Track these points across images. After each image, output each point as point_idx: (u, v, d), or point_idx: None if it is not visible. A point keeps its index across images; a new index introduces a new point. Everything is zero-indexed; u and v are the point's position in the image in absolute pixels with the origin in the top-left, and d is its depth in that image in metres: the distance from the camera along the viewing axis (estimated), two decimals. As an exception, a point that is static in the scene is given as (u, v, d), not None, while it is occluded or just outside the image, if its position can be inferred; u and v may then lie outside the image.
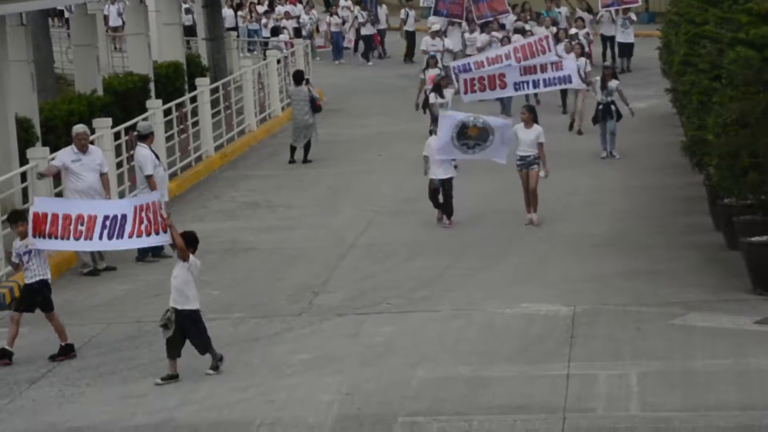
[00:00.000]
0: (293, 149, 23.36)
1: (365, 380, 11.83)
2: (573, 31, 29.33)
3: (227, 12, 38.03)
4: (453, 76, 23.32)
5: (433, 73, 24.20)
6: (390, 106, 28.03)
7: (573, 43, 26.35)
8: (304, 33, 36.59)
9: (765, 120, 14.28)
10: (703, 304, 13.57)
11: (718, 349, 12.11)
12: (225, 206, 20.22)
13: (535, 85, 21.80)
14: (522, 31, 29.35)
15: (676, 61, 19.93)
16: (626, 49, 32.08)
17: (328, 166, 22.86)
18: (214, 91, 24.56)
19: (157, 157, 17.09)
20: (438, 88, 22.05)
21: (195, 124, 23.12)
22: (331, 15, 37.48)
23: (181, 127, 22.30)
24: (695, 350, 12.13)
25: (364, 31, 36.62)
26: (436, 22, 30.37)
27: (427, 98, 22.77)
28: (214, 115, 23.98)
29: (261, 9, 39.34)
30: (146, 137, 16.96)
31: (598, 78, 22.07)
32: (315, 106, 23.35)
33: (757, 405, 10.66)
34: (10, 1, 17.73)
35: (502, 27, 30.73)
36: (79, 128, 16.72)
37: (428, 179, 17.59)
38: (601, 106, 21.78)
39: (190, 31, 35.10)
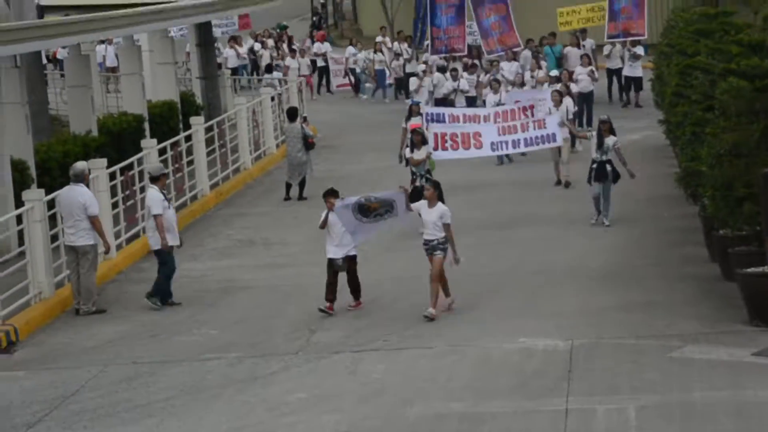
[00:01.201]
0: (288, 186, 23.39)
1: (363, 418, 11.80)
2: (578, 69, 28.64)
3: (229, 52, 38.14)
4: (425, 124, 21.57)
5: (416, 122, 22.31)
6: (384, 142, 28.04)
7: (551, 87, 25.04)
8: (357, 70, 36.84)
9: (758, 150, 14.33)
10: (700, 336, 13.55)
11: (716, 381, 12.09)
12: (221, 244, 20.22)
13: (515, 145, 20.56)
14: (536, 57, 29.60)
15: (669, 92, 20.04)
16: (634, 83, 31.13)
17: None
18: (209, 129, 24.61)
19: (166, 198, 16.97)
20: (413, 145, 19.83)
21: (190, 162, 23.15)
22: (375, 52, 36.77)
23: (176, 166, 22.32)
24: (693, 383, 12.10)
25: (409, 69, 35.14)
26: (426, 61, 30.50)
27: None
28: (208, 154, 24.01)
29: (293, 46, 39.10)
30: (158, 179, 16.79)
31: (594, 133, 19.75)
32: (307, 144, 23.42)
33: (755, 437, 10.63)
34: (3, 43, 17.79)
35: (514, 58, 30.49)
36: (84, 165, 17.05)
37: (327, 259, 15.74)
38: (595, 165, 19.33)
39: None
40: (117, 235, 18.96)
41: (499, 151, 20.65)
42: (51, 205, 17.32)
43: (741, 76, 14.54)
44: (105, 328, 15.73)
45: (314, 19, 60.33)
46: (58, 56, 39.60)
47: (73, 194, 16.44)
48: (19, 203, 17.35)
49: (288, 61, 37.11)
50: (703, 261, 16.63)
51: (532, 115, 21.69)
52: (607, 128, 19.50)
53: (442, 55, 31.54)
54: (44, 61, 31.33)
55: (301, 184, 23.31)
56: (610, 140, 19.35)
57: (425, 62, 32.51)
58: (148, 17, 24.49)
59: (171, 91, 27.33)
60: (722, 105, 14.94)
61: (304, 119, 25.71)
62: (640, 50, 31.03)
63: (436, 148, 19.97)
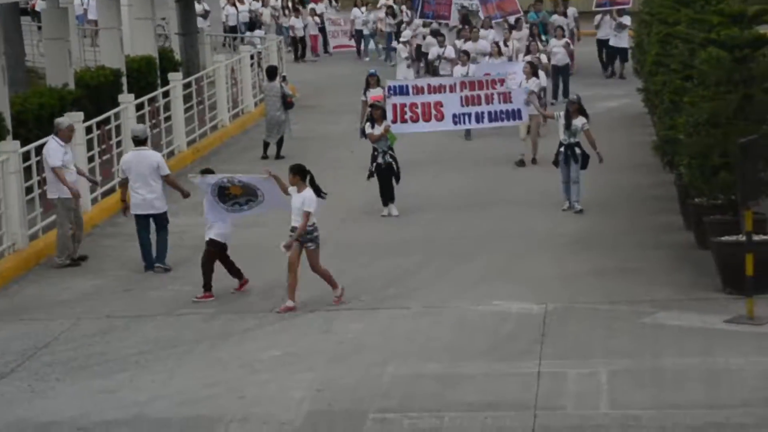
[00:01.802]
0: (266, 145, 23.34)
1: (336, 377, 11.84)
2: (552, 42, 28.18)
3: (230, 10, 37.71)
4: (386, 97, 20.49)
5: (376, 94, 21.42)
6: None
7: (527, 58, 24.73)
8: (366, 32, 36.12)
9: (736, 120, 14.39)
10: (673, 302, 13.65)
11: (688, 348, 12.19)
12: (197, 201, 20.11)
13: (478, 119, 19.04)
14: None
15: (648, 60, 20.07)
16: (620, 54, 30.55)
17: (302, 162, 22.76)
18: (187, 86, 24.48)
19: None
20: (373, 120, 18.50)
21: (167, 119, 23.04)
22: (386, 15, 36.04)
23: (154, 121, 22.21)
24: (665, 348, 12.20)
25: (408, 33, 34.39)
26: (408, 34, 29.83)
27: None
28: (186, 110, 23.90)
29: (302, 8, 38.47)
30: (144, 141, 16.35)
31: (562, 114, 18.39)
32: (286, 103, 23.35)
33: (725, 403, 10.73)
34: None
35: (513, 28, 29.64)
36: (67, 121, 16.85)
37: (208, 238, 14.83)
38: (562, 148, 18.13)
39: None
40: (92, 190, 18.87)
41: (461, 124, 19.12)
42: (26, 157, 17.22)
43: (721, 46, 14.57)
44: (79, 281, 15.69)
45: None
46: (37, 8, 39.22)
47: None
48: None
49: (292, 20, 36.74)
50: (678, 229, 16.72)
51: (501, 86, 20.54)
52: (575, 109, 18.25)
53: (429, 20, 31.21)
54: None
55: (279, 143, 23.26)
56: (578, 121, 18.16)
57: (407, 23, 32.36)
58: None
59: (149, 47, 27.12)
60: (701, 74, 14.98)
61: (283, 78, 25.62)
62: (626, 20, 30.42)
63: (394, 121, 18.69)
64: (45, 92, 21.75)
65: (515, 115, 19.22)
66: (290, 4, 39.60)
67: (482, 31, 29.42)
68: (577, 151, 18.11)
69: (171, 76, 24.04)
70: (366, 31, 36.50)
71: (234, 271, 14.90)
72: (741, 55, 14.46)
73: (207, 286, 14.60)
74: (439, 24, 31.09)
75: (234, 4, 38.24)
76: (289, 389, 11.54)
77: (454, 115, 18.91)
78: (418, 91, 20.21)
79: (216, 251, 14.72)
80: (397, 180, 18.21)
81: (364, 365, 12.11)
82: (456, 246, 16.55)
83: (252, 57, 28.83)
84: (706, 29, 15.52)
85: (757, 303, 12.96)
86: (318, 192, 14.18)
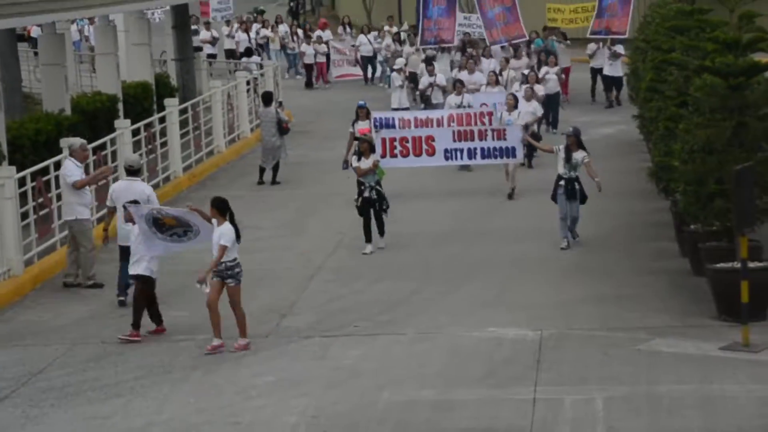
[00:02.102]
0: (262, 170, 23.38)
1: (331, 403, 11.81)
2: (544, 69, 27.63)
3: (241, 36, 37.75)
4: (373, 129, 20.30)
5: (363, 126, 20.90)
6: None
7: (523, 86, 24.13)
8: (380, 58, 35.51)
9: (731, 147, 14.42)
10: (668, 329, 13.65)
11: (684, 375, 12.17)
12: (192, 227, 20.11)
13: (471, 155, 18.61)
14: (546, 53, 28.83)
15: (643, 87, 20.11)
16: (614, 83, 30.23)
17: (297, 187, 22.86)
18: (183, 111, 24.53)
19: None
20: (360, 153, 17.80)
21: (163, 144, 23.07)
22: (394, 41, 35.35)
23: (150, 147, 22.24)
24: (661, 375, 12.18)
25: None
26: (401, 63, 29.19)
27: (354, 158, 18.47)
28: (182, 136, 23.94)
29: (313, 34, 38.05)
30: (137, 171, 16.13)
31: (561, 147, 17.78)
32: (281, 128, 23.39)
33: (721, 430, 10.71)
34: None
35: (513, 55, 29.22)
36: (79, 140, 17.04)
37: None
38: (562, 182, 17.45)
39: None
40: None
41: (453, 160, 18.63)
42: (22, 182, 17.23)
43: (715, 73, 14.62)
44: (74, 307, 15.67)
45: (291, 4, 60.15)
46: (33, 34, 39.30)
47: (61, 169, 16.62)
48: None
49: (304, 47, 36.63)
50: (673, 255, 16.73)
51: (491, 123, 20.51)
52: (574, 142, 17.67)
53: (431, 46, 30.85)
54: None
55: (275, 169, 23.30)
56: (579, 155, 17.61)
57: (401, 55, 31.88)
58: (125, -3, 24.37)
59: (146, 72, 27.20)
60: (696, 101, 15.02)
61: (280, 104, 25.67)
62: (620, 48, 30.17)
63: (384, 155, 18.24)
64: (41, 118, 21.77)
65: (509, 152, 18.71)
66: (299, 31, 39.53)
67: (483, 61, 29.01)
68: (577, 186, 17.60)
69: (167, 101, 24.09)
70: (380, 58, 35.82)
71: (155, 313, 14.30)
72: (736, 82, 14.51)
73: (136, 325, 14.04)
74: (441, 50, 30.65)
75: (246, 30, 38.19)
76: (284, 415, 11.51)
77: (446, 150, 18.52)
78: (405, 124, 20.13)
79: (147, 289, 14.20)
80: (385, 212, 17.62)
81: (359, 391, 12.09)
82: (451, 272, 16.54)
83: (248, 83, 28.89)
84: (701, 56, 15.59)
85: (752, 330, 12.95)
86: (237, 231, 13.50)
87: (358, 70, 35.91)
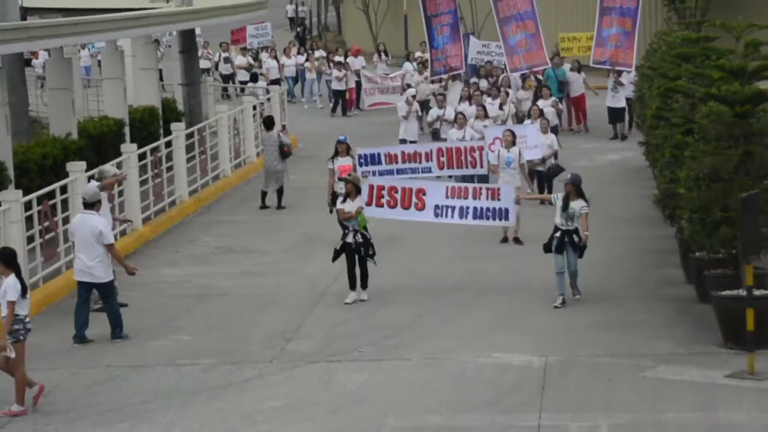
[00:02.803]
0: (264, 194, 23.40)
1: (336, 428, 11.79)
2: (541, 103, 26.05)
3: (271, 63, 37.65)
4: (357, 167, 18.99)
5: (343, 162, 19.19)
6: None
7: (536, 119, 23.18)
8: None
9: (736, 175, 14.43)
10: (674, 356, 13.62)
11: (689, 403, 12.15)
12: (198, 251, 20.18)
13: (462, 214, 16.66)
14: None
15: (649, 114, 20.14)
16: (617, 115, 29.17)
17: (302, 212, 22.87)
18: (189, 136, 24.60)
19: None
20: (346, 194, 16.65)
21: (170, 168, 23.12)
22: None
23: (156, 171, 22.29)
24: (666, 403, 12.15)
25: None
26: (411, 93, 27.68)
27: (335, 197, 17.85)
28: (188, 160, 23.99)
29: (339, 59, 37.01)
30: (93, 205, 15.29)
31: (559, 195, 16.38)
32: (283, 153, 23.41)
33: (727, 458, 10.68)
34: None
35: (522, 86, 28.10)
36: (113, 169, 17.20)
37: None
38: (558, 234, 16.02)
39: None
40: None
41: (443, 218, 16.70)
42: (28, 206, 17.27)
43: (721, 101, 14.64)
44: (79, 330, 15.65)
45: (298, 30, 60.39)
46: (34, 63, 39.45)
47: (90, 222, 15.19)
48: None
49: (335, 73, 35.76)
50: (679, 283, 16.72)
51: (481, 164, 19.31)
52: (572, 190, 16.12)
53: (442, 76, 29.69)
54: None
55: (279, 193, 23.32)
56: (577, 205, 16.06)
57: (409, 85, 31.15)
58: (132, 22, 24.47)
59: (153, 97, 27.29)
60: (702, 129, 15.04)
61: (283, 128, 25.69)
62: (624, 78, 28.99)
63: (369, 203, 16.46)
64: (48, 142, 21.84)
65: (502, 215, 16.85)
66: (329, 57, 39.02)
67: (522, 93, 28.07)
68: (576, 238, 16.05)
69: (174, 126, 24.17)
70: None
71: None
72: (742, 110, 14.53)
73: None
74: (453, 78, 29.63)
75: (275, 57, 37.95)
76: (289, 441, 11.49)
77: (436, 207, 16.70)
78: (391, 159, 18.98)
79: None
80: (371, 258, 16.32)
81: (364, 417, 12.07)
82: (456, 297, 16.53)
83: (254, 107, 28.97)
84: (707, 84, 15.60)
85: (758, 358, 12.93)
86: (23, 284, 12.50)
87: (390, 98, 32.82)
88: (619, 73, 29.25)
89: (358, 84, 35.92)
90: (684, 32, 22.42)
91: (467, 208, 16.72)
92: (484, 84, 29.57)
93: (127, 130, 24.80)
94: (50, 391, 13.24)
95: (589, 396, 12.42)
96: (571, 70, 30.58)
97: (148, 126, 26.18)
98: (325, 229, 21.31)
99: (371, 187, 16.73)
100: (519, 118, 26.39)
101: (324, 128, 33.30)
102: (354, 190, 16.47)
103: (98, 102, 30.44)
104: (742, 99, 14.54)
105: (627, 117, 29.52)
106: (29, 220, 17.20)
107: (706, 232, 14.52)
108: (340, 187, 17.61)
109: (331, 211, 18.61)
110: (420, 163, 19.13)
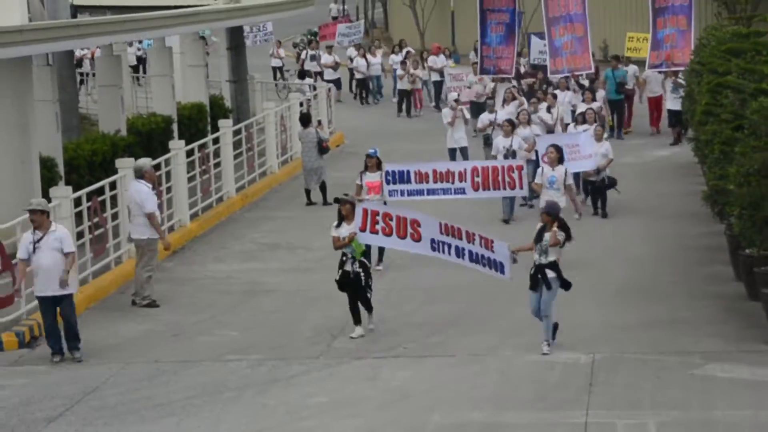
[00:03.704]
0: (308, 192, 23.44)
1: (382, 424, 11.80)
2: (582, 107, 24.21)
3: (360, 62, 37.24)
4: (384, 185, 17.63)
5: (372, 179, 17.67)
6: (411, 150, 28.10)
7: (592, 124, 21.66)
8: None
9: (787, 171, 14.27)
10: (723, 354, 13.50)
11: (738, 400, 12.04)
12: (245, 247, 20.27)
13: (459, 253, 14.62)
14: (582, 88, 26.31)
15: (699, 110, 19.96)
16: (675, 117, 27.37)
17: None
18: (237, 132, 24.71)
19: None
20: (341, 217, 15.23)
21: (217, 165, 23.24)
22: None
23: (203, 167, 22.42)
24: (715, 400, 12.05)
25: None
26: (454, 97, 24.89)
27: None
28: (236, 157, 24.10)
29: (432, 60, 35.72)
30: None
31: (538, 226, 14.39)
32: (321, 148, 23.43)
33: (776, 457, 10.58)
34: (37, 41, 17.92)
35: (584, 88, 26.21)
36: (149, 161, 17.39)
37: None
38: (532, 270, 14.05)
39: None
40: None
41: (440, 253, 14.81)
42: (78, 202, 17.43)
43: (772, 95, 14.50)
44: (128, 326, 15.79)
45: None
46: (85, 62, 39.78)
47: (132, 190, 16.83)
48: (46, 200, 17.42)
49: (418, 71, 34.77)
50: (728, 280, 16.57)
51: (519, 177, 17.70)
52: (549, 221, 14.06)
53: (491, 76, 28.74)
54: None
55: (323, 189, 23.33)
56: (549, 235, 13.93)
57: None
58: (181, 20, 24.61)
59: (201, 94, 27.45)
60: (753, 124, 14.90)
61: (318, 123, 25.69)
62: (681, 79, 27.14)
63: (363, 228, 14.79)
64: (97, 138, 22.03)
65: (498, 267, 14.67)
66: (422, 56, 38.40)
67: (559, 94, 26.08)
68: (550, 274, 13.93)
69: (221, 122, 24.29)
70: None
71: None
72: (792, 105, 14.38)
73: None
74: (503, 81, 28.19)
75: (364, 56, 37.38)
76: (335, 436, 11.52)
77: (433, 240, 14.84)
78: (421, 178, 17.34)
79: None
80: (369, 288, 14.99)
81: (409, 413, 12.07)
82: (501, 293, 16.46)
83: (301, 104, 29.05)
84: (757, 79, 15.46)
85: (808, 356, 12.80)
86: None
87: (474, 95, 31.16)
88: (676, 73, 27.78)
89: (438, 84, 34.75)
90: (734, 27, 22.24)
91: (463, 249, 14.76)
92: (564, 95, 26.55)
93: (175, 126, 24.97)
94: (99, 385, 13.36)
95: (636, 393, 12.34)
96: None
97: (196, 123, 26.35)
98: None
99: (365, 211, 14.96)
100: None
101: (370, 124, 33.30)
102: (351, 212, 15.00)
103: (147, 99, 30.65)
104: (793, 94, 14.38)
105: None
106: (79, 216, 17.36)
107: (756, 229, 14.38)
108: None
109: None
110: (453, 183, 17.46)
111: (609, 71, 29.11)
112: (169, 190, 20.61)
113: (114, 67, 24.04)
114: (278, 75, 40.98)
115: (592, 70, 28.48)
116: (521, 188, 18.11)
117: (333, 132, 31.31)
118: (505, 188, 17.99)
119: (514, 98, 24.92)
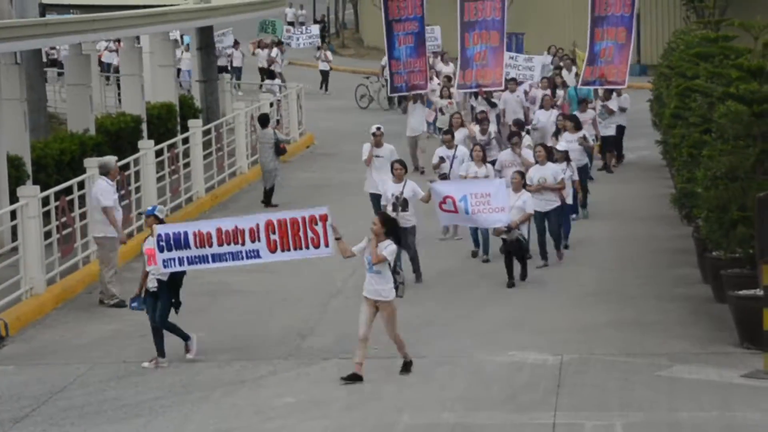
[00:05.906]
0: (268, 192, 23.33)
1: (350, 425, 11.79)
2: (566, 137, 21.05)
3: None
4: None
5: (151, 245, 14.07)
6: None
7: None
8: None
9: (754, 174, 14.39)
10: (690, 356, 13.58)
11: (705, 402, 12.11)
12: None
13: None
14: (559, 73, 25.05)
15: (667, 113, 20.09)
16: (605, 144, 24.86)
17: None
18: (207, 132, 24.64)
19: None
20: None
21: (186, 165, 23.16)
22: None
23: (173, 167, 22.34)
24: (681, 402, 12.12)
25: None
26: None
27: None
28: (205, 157, 24.04)
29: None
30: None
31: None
32: (279, 149, 23.29)
33: (742, 458, 10.65)
34: (4, 39, 17.81)
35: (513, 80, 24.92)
36: (114, 159, 17.34)
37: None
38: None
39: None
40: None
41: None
42: (45, 201, 17.33)
43: (739, 100, 14.59)
44: (95, 326, 15.71)
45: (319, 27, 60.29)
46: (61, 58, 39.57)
47: (93, 186, 16.92)
48: (13, 199, 17.35)
49: (441, 67, 33.76)
50: (695, 282, 16.67)
51: (324, 232, 13.83)
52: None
53: (404, 93, 26.07)
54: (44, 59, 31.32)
55: (270, 190, 23.19)
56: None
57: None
58: (151, 19, 24.53)
59: (170, 94, 27.35)
60: (720, 128, 15.00)
61: (277, 123, 25.60)
62: (613, 104, 24.83)
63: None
64: (66, 138, 21.91)
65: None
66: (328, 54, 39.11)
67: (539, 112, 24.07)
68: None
69: (191, 122, 24.22)
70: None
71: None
72: (760, 109, 14.48)
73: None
74: (415, 99, 25.76)
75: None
76: (303, 437, 11.50)
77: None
78: (203, 241, 13.88)
79: None
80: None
81: (378, 414, 12.07)
82: (472, 296, 16.52)
83: (271, 105, 29.00)
84: (725, 83, 15.56)
85: (774, 357, 12.88)
86: None
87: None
88: (607, 97, 25.08)
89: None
90: (702, 31, 22.35)
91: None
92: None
93: (144, 126, 24.87)
94: (66, 385, 13.29)
95: (604, 394, 12.39)
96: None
97: (165, 122, 26.25)
98: (341, 224, 21.30)
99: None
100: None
101: (341, 125, 33.29)
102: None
103: (116, 98, 30.52)
104: (761, 98, 14.48)
105: (619, 147, 25.50)
106: (46, 215, 17.26)
107: (723, 232, 14.48)
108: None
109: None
110: (243, 244, 13.79)
111: (572, 89, 27.03)
112: (137, 190, 20.52)
113: (82, 67, 23.92)
114: (264, 76, 40.89)
115: (502, 86, 25.40)
116: (326, 245, 13.94)
117: (303, 133, 31.31)
118: (308, 247, 13.92)
119: (461, 125, 22.12)
